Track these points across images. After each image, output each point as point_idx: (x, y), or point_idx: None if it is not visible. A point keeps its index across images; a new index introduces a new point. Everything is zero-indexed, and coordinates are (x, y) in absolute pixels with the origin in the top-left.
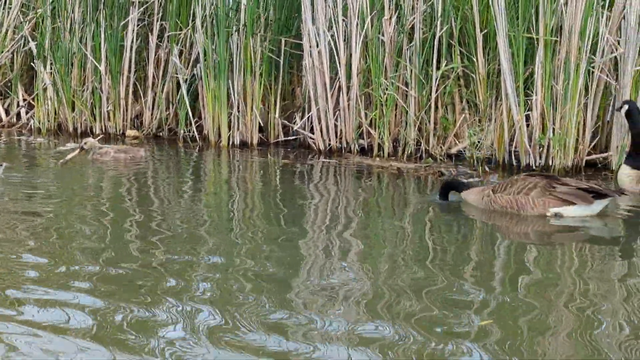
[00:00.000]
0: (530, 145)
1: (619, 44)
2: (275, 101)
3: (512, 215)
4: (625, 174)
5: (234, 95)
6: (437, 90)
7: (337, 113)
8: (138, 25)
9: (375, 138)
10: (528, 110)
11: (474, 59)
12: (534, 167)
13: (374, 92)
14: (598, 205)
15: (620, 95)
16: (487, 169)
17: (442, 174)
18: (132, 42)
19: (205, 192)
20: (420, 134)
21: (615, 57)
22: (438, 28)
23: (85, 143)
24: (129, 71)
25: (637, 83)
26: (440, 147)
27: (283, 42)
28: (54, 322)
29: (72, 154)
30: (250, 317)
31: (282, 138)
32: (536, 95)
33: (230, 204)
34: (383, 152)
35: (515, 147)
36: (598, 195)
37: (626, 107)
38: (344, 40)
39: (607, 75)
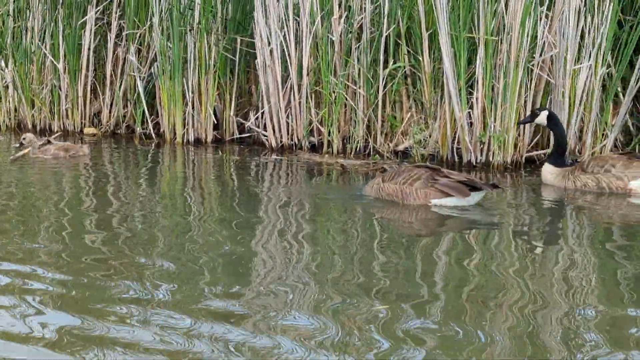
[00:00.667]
0: (471, 143)
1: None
2: (230, 99)
3: (406, 205)
4: (548, 171)
5: (188, 93)
6: (384, 89)
7: (288, 111)
8: (96, 24)
9: (325, 135)
10: (470, 109)
11: (420, 59)
12: (474, 164)
13: (323, 91)
14: (474, 198)
15: (557, 92)
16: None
17: (384, 170)
18: (90, 41)
19: (148, 187)
20: (369, 132)
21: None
22: (385, 27)
23: (24, 139)
24: (87, 70)
25: (574, 81)
26: (388, 145)
27: (239, 41)
28: None
29: (24, 150)
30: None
31: (237, 135)
32: (477, 93)
33: (171, 198)
34: (332, 149)
35: (458, 144)
36: (474, 188)
37: (546, 112)
38: (295, 39)
39: (548, 75)
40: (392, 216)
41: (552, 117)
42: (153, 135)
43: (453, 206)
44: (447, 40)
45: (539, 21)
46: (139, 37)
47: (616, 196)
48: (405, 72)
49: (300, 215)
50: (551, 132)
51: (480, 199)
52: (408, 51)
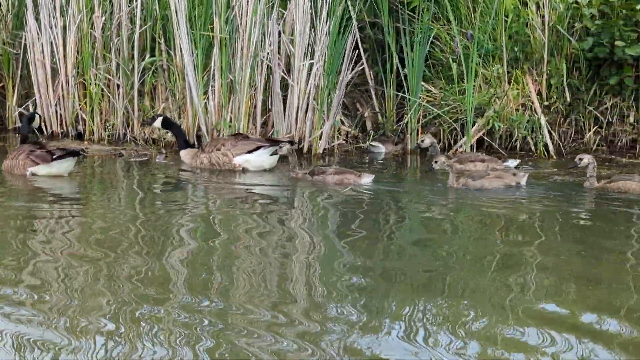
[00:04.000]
0: (207, 130)
1: (291, 42)
2: (13, 90)
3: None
4: (184, 154)
5: None
6: (140, 81)
7: (57, 101)
8: None
9: (88, 124)
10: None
11: (173, 54)
12: None
13: (87, 82)
14: (57, 165)
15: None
16: (163, 150)
17: (121, 155)
18: None
19: None
20: (127, 121)
21: (289, 54)
22: (138, 26)
23: None
24: None
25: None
26: (144, 132)
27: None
28: None
29: None
30: None
31: (18, 124)
32: (214, 85)
33: None
34: (94, 137)
35: (199, 130)
36: (59, 157)
37: (161, 118)
38: (63, 35)
39: (283, 71)
40: None
41: (166, 121)
42: None
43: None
44: (187, 37)
45: (267, 21)
46: None
47: (227, 172)
48: (162, 65)
49: None
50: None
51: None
52: (167, 46)
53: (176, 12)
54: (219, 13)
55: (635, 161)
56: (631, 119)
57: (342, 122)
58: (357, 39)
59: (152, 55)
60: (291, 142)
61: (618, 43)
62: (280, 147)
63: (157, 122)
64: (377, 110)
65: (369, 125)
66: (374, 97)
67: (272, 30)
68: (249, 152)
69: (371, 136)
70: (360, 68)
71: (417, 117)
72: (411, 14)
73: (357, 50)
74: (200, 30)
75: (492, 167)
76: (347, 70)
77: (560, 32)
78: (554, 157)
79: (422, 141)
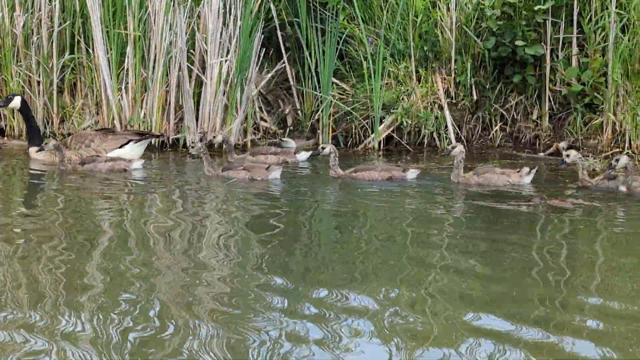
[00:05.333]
0: (121, 124)
1: (205, 41)
2: None
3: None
4: (35, 151)
5: None
6: (60, 78)
7: None
8: None
9: (9, 120)
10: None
11: (92, 51)
12: None
13: (7, 79)
14: None
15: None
16: None
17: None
18: None
19: None
20: (46, 117)
21: (202, 50)
22: (57, 24)
23: None
24: None
25: (220, 75)
26: (63, 127)
27: None
28: None
29: None
30: None
31: None
32: (128, 82)
33: None
34: (14, 133)
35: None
36: None
37: (19, 99)
38: None
39: (198, 69)
40: None
41: (24, 105)
42: None
43: None
44: (101, 34)
45: (182, 19)
46: None
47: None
48: (81, 63)
49: None
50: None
51: None
52: (85, 44)
53: (92, 11)
54: (133, 12)
55: (535, 156)
56: (534, 116)
57: (263, 119)
58: (279, 38)
59: (72, 52)
60: (157, 135)
61: (518, 43)
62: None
63: (15, 102)
64: (298, 107)
65: (289, 121)
66: (295, 94)
67: (181, 30)
68: (121, 146)
69: (287, 132)
70: (282, 66)
71: (329, 113)
72: (328, 13)
73: (269, 50)
74: (115, 28)
75: (284, 159)
76: (255, 67)
77: (468, 32)
78: None
79: (214, 137)
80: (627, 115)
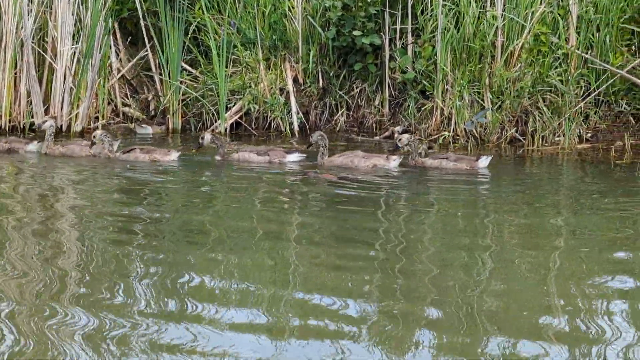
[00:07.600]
0: None
1: (55, 27)
2: None
3: None
4: None
5: None
6: None
7: None
8: None
9: None
10: None
11: None
12: None
13: None
14: None
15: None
16: None
17: None
18: None
19: None
20: None
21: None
22: None
23: None
24: None
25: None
26: None
27: None
28: None
29: None
30: None
31: None
32: None
33: None
34: None
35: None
36: None
37: None
38: None
39: (51, 57)
40: None
41: None
42: None
43: None
44: None
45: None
46: None
47: None
48: None
49: None
50: None
51: None
52: None
53: None
54: None
55: (370, 139)
56: (376, 102)
57: (125, 104)
58: (142, 27)
59: None
60: None
61: (356, 33)
62: None
63: None
64: (160, 94)
65: (151, 107)
66: (157, 81)
67: (26, 16)
68: None
69: (141, 118)
70: (146, 54)
71: (178, 99)
72: (185, 3)
73: (137, 37)
74: None
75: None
76: (98, 55)
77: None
78: (297, 136)
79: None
80: (454, 101)
